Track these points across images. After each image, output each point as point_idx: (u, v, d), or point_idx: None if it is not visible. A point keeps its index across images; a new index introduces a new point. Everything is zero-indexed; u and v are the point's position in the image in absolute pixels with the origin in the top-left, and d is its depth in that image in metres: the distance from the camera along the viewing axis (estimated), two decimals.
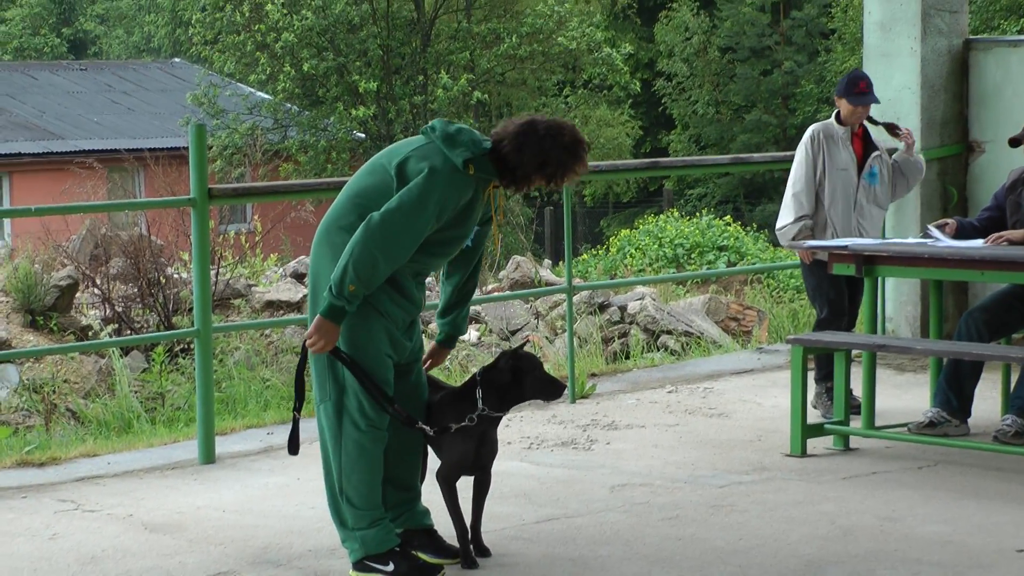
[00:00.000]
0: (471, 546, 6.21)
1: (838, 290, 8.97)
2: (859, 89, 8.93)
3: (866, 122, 9.03)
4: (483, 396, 6.11)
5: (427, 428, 6.08)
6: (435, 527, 6.27)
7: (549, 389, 6.15)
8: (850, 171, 8.97)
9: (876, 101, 9.02)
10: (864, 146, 9.08)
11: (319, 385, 6.02)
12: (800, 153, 9.01)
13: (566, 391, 6.20)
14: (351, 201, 5.98)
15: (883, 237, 8.97)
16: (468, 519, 6.20)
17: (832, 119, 9.07)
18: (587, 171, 6.10)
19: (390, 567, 5.99)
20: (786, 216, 8.95)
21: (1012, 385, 8.42)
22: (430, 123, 6.03)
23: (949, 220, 8.55)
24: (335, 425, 5.98)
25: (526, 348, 6.31)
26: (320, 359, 5.97)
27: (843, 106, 8.98)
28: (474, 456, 6.17)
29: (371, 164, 6.06)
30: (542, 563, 6.29)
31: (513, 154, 5.93)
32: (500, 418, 6.22)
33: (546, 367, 6.29)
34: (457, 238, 6.01)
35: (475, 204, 5.98)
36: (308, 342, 5.86)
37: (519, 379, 6.12)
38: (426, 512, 6.29)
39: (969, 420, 8.40)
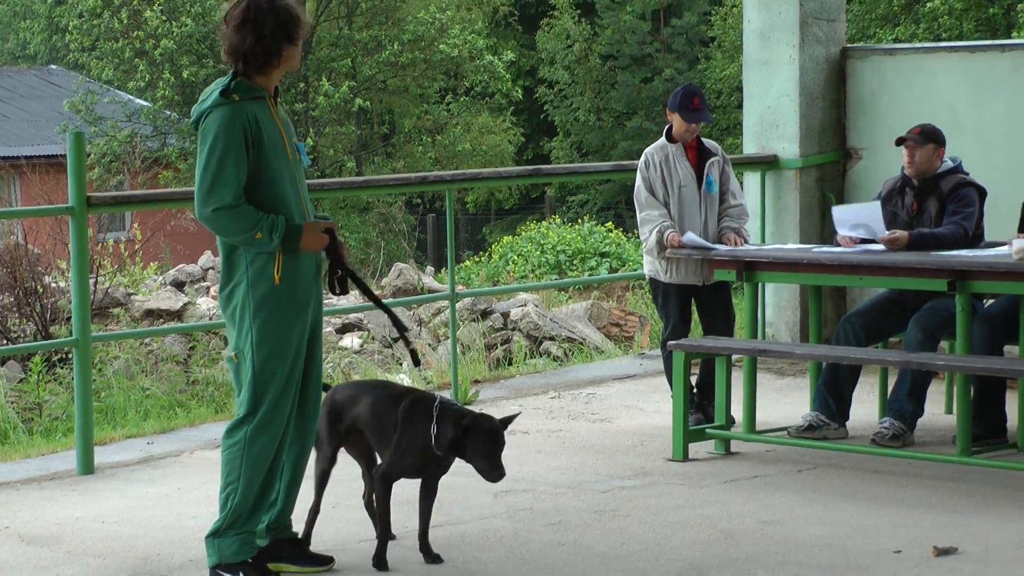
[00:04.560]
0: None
1: (682, 314, 8.93)
2: (693, 105, 8.74)
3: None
4: (436, 432, 6.20)
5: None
6: (299, 536, 6.37)
7: (486, 471, 6.17)
8: (690, 187, 8.81)
9: (709, 120, 8.87)
10: (699, 156, 8.89)
11: (246, 396, 6.05)
12: (638, 179, 8.86)
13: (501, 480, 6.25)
14: None
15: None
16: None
17: (663, 137, 8.91)
18: (305, 20, 6.15)
19: None
20: (644, 233, 8.81)
21: (889, 389, 8.53)
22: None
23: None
24: (248, 433, 6.03)
25: (510, 421, 6.32)
26: (243, 370, 6.03)
27: (676, 121, 8.80)
28: (422, 468, 6.29)
29: None
30: (427, 570, 6.28)
31: (236, 38, 5.98)
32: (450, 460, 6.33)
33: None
34: (284, 164, 6.04)
35: (271, 127, 6.03)
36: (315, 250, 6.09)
37: (465, 444, 6.18)
38: (291, 523, 6.33)
39: (847, 423, 8.51)
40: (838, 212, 8.66)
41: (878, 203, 8.56)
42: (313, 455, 6.42)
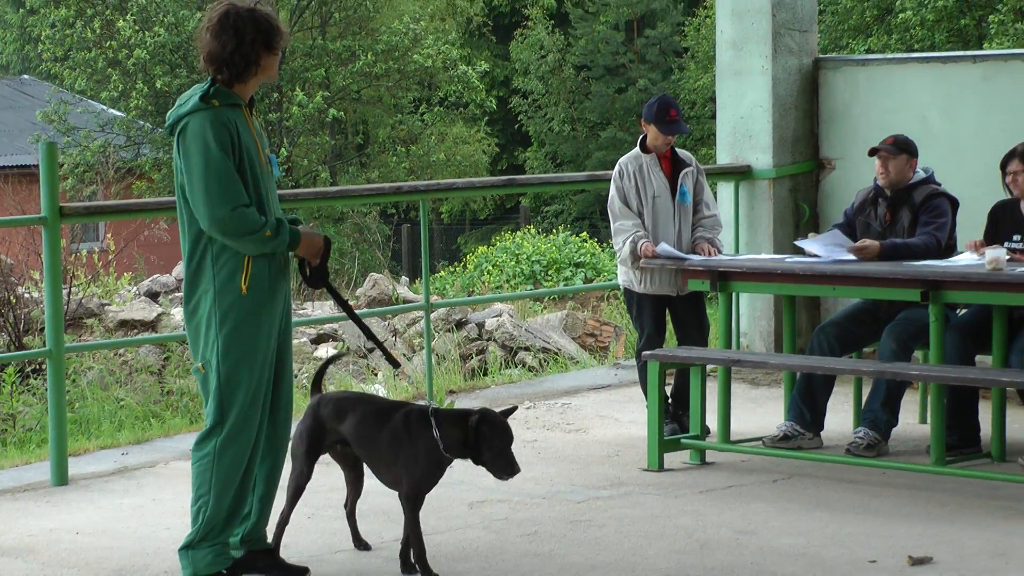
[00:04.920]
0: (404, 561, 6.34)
1: (657, 324, 8.94)
2: (670, 117, 8.74)
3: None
4: (441, 435, 6.18)
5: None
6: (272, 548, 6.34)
7: (502, 467, 6.14)
8: (664, 198, 8.82)
9: (686, 132, 8.91)
10: (673, 166, 8.91)
11: (212, 407, 6.02)
12: (612, 190, 8.87)
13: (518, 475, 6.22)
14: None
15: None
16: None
17: (637, 147, 8.92)
18: (286, 34, 6.18)
19: None
20: (618, 243, 8.84)
21: (863, 398, 8.56)
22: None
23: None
24: (217, 444, 6.01)
25: (511, 414, 6.31)
26: (210, 381, 6.01)
27: (651, 132, 8.80)
28: (438, 477, 6.27)
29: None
30: None
31: (215, 44, 5.99)
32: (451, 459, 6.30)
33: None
34: (259, 173, 6.04)
35: (247, 136, 6.04)
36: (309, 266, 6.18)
37: (478, 442, 6.15)
38: (265, 535, 6.32)
39: (822, 433, 8.53)
40: (804, 245, 8.67)
41: (836, 230, 8.63)
42: (288, 467, 6.40)
